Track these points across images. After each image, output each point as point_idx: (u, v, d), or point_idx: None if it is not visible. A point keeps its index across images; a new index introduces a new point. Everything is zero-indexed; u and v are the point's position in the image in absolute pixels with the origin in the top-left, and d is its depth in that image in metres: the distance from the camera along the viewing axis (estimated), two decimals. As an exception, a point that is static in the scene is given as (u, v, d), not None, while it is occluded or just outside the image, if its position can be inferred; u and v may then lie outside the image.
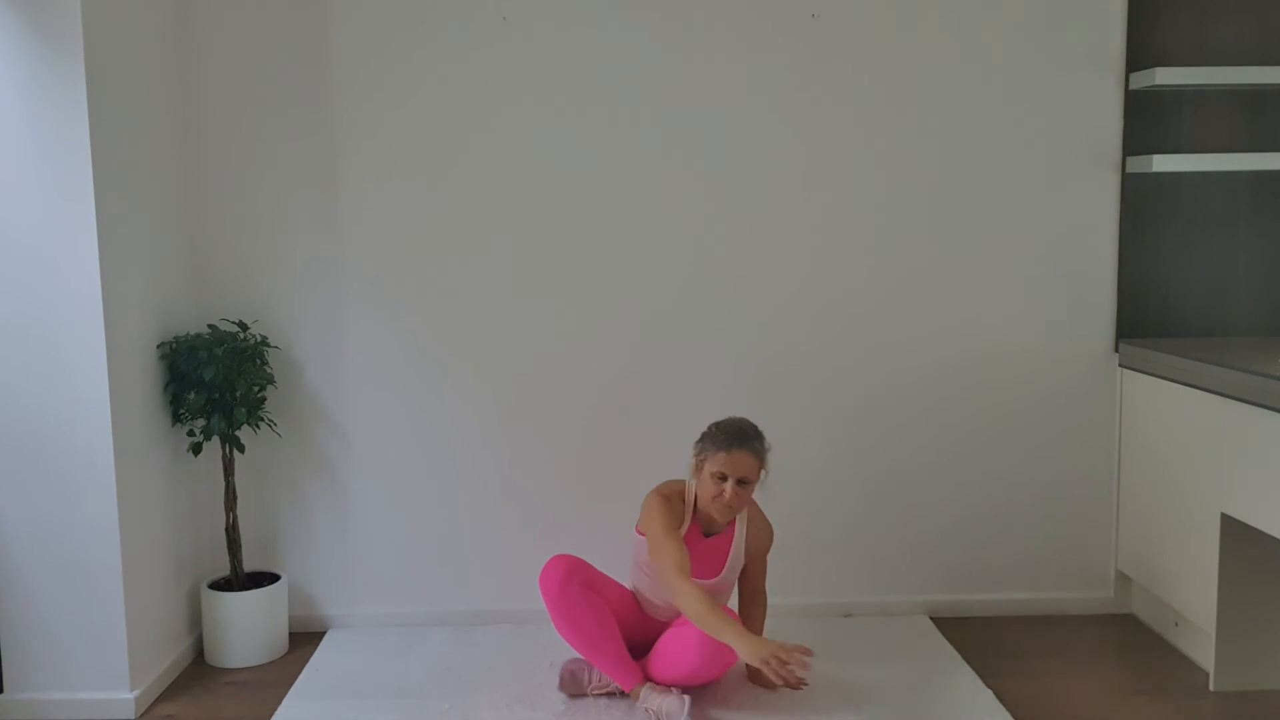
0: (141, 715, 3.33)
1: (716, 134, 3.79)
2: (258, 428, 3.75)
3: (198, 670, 3.65)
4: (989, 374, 3.91)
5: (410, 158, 3.78)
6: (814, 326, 3.88)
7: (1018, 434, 3.94)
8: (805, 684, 3.25)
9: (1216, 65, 3.74)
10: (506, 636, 3.80)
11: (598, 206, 3.81)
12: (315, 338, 3.83)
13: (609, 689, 3.28)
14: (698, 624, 3.03)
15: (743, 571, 3.45)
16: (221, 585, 3.73)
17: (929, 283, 3.87)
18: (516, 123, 3.77)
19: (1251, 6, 3.76)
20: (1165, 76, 3.64)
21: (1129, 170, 3.83)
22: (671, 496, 3.28)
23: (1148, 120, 3.82)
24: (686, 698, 3.15)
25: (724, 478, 3.18)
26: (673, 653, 3.22)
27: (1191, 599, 3.49)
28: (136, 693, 3.32)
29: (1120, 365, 3.87)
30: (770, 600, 3.66)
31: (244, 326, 3.71)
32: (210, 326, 3.72)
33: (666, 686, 3.21)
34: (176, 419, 3.62)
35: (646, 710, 3.18)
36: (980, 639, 3.77)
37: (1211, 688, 3.38)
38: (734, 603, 3.52)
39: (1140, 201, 3.85)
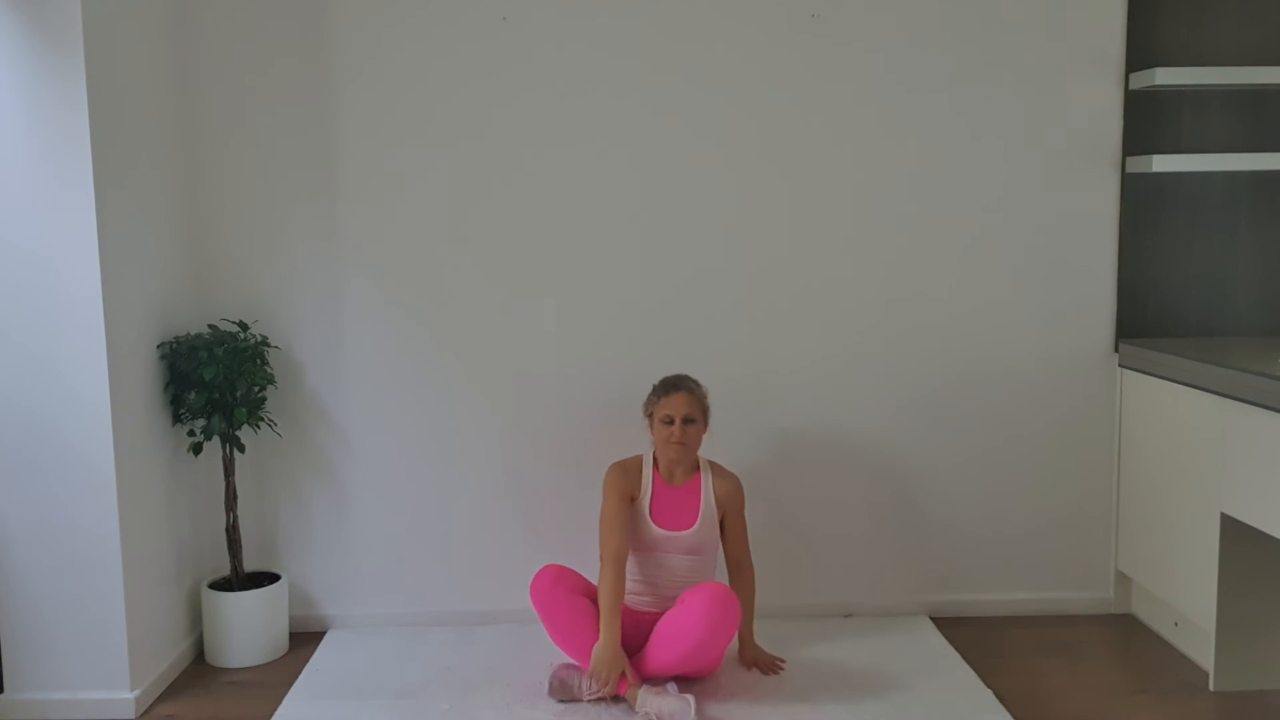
0: (141, 715, 3.34)
1: (716, 135, 3.79)
2: (258, 428, 3.75)
3: (198, 670, 3.65)
4: (989, 374, 3.91)
5: (410, 158, 3.78)
6: (813, 326, 3.88)
7: (1018, 434, 3.94)
8: (779, 668, 3.50)
9: (1216, 65, 3.75)
10: (506, 636, 3.80)
11: (598, 207, 3.82)
12: (315, 338, 3.84)
13: (602, 694, 3.25)
14: (600, 606, 3.27)
15: (724, 533, 3.52)
16: (222, 585, 3.73)
17: (929, 282, 3.87)
18: (516, 123, 3.77)
19: (1251, 6, 3.76)
20: (1165, 76, 3.65)
21: (1129, 170, 3.83)
22: (628, 466, 3.51)
23: (1148, 120, 3.82)
24: (690, 698, 3.15)
25: (670, 420, 3.43)
26: (674, 631, 3.23)
27: (1191, 599, 3.49)
28: (136, 693, 3.32)
29: (1120, 365, 3.87)
30: (770, 600, 3.67)
31: (244, 326, 3.71)
32: (210, 326, 3.72)
33: (663, 685, 3.22)
34: (177, 419, 3.62)
35: (646, 714, 3.17)
36: (980, 639, 3.77)
37: (1211, 688, 3.38)
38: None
39: (1140, 201, 3.85)
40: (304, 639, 3.83)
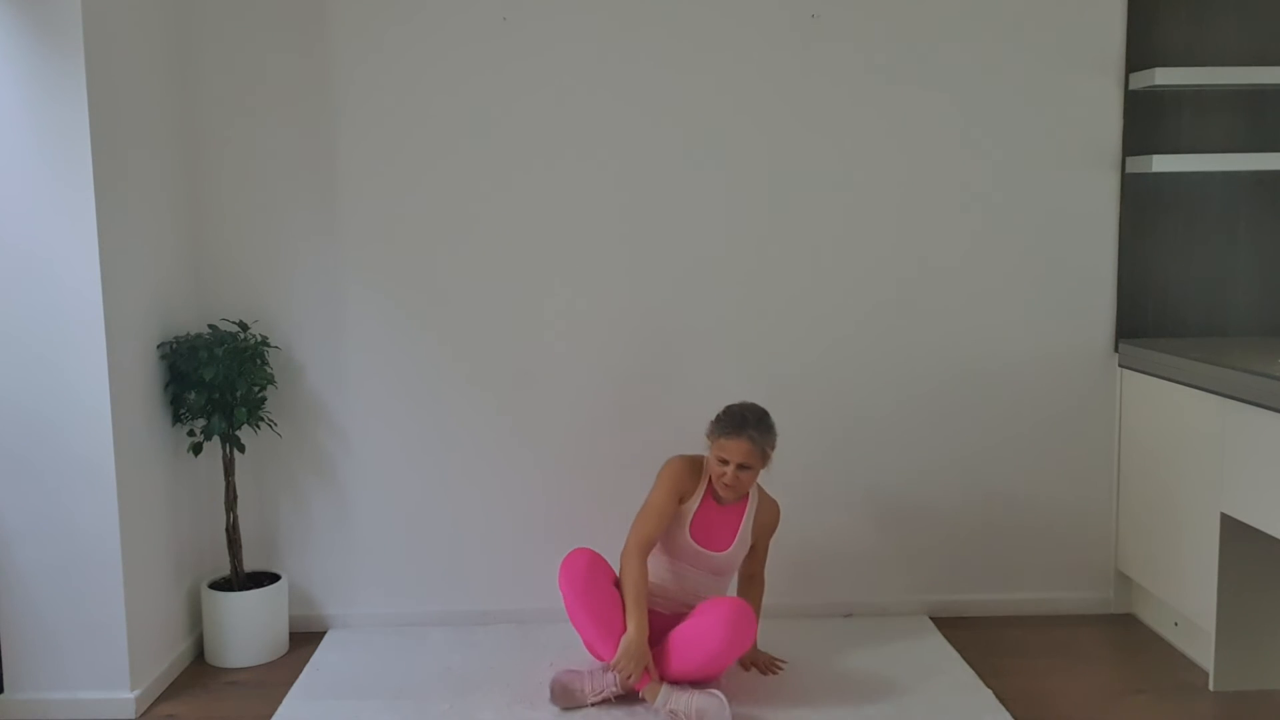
0: (142, 715, 3.34)
1: (716, 134, 3.79)
2: (258, 428, 3.75)
3: (198, 670, 3.65)
4: (989, 374, 3.91)
5: (410, 158, 3.78)
6: (814, 326, 3.88)
7: (1017, 434, 3.94)
8: (778, 669, 3.48)
9: (1216, 65, 3.75)
10: (506, 636, 3.80)
11: (598, 206, 3.82)
12: (315, 338, 3.84)
13: (607, 695, 3.25)
14: (623, 599, 3.23)
15: (749, 552, 3.50)
16: (222, 585, 3.73)
17: (929, 282, 3.87)
18: (516, 122, 3.78)
19: (1251, 6, 3.76)
20: (1165, 76, 3.65)
21: (1129, 170, 3.83)
22: (691, 464, 3.42)
23: (1147, 120, 3.82)
24: (722, 695, 3.14)
25: (725, 462, 3.32)
26: (691, 642, 3.21)
27: (1191, 599, 3.49)
28: (137, 693, 3.32)
29: (1120, 365, 3.87)
30: (770, 600, 3.66)
31: (244, 326, 3.71)
32: (210, 326, 3.72)
33: (683, 685, 3.21)
34: (177, 419, 3.62)
35: (672, 712, 3.15)
36: (980, 639, 3.77)
37: (1211, 687, 3.38)
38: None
39: (1140, 201, 3.85)
40: (304, 639, 3.83)
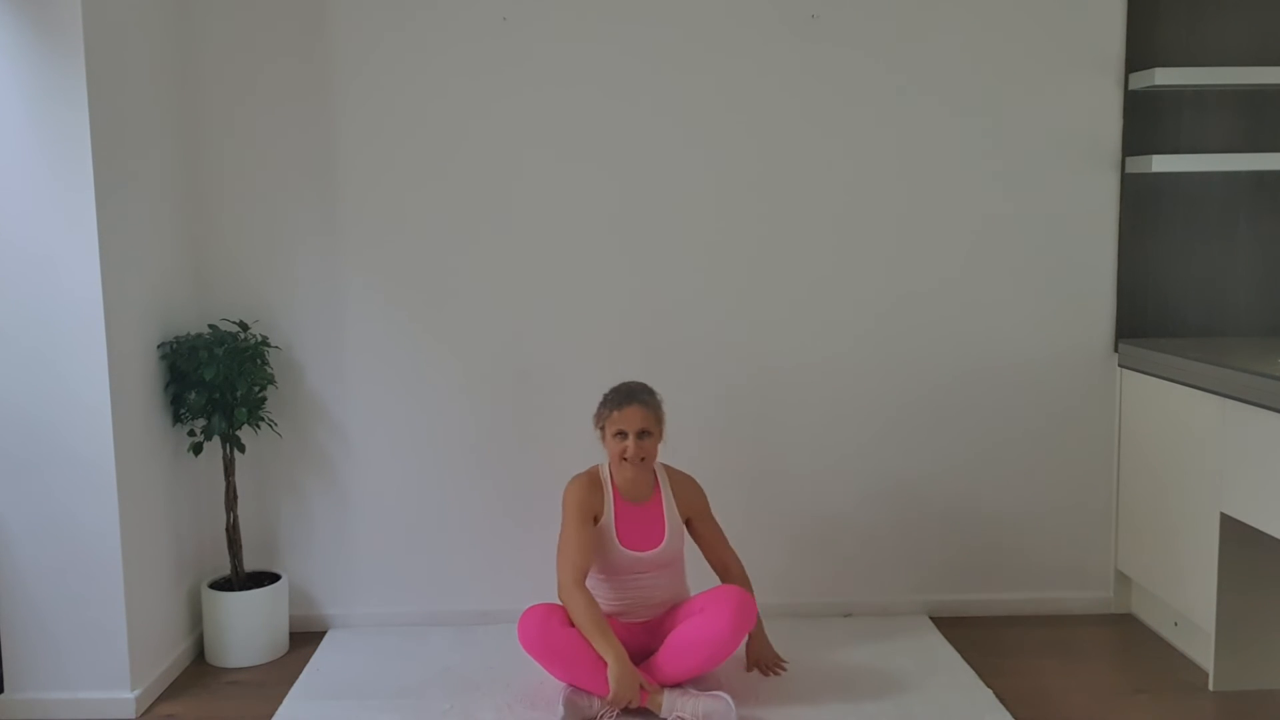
0: (142, 715, 3.34)
1: (716, 134, 3.79)
2: (258, 428, 3.75)
3: (198, 670, 3.65)
4: (988, 374, 3.91)
5: (410, 158, 3.78)
6: (814, 327, 3.88)
7: (1017, 434, 3.94)
8: (781, 670, 3.43)
9: (1216, 65, 3.75)
10: (506, 636, 3.78)
11: (599, 208, 3.82)
12: (315, 338, 3.84)
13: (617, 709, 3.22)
14: (585, 635, 3.15)
15: (698, 539, 3.46)
16: (222, 585, 3.73)
17: (929, 283, 3.87)
18: (516, 122, 3.78)
19: (1251, 6, 3.76)
20: (1165, 76, 3.65)
21: (1129, 170, 3.83)
22: (589, 480, 3.39)
23: (1147, 120, 3.82)
24: (728, 697, 3.12)
25: (624, 434, 3.30)
26: (697, 639, 3.20)
27: (1191, 599, 3.49)
28: (137, 693, 3.32)
29: (1120, 365, 3.87)
30: (771, 600, 3.66)
31: (244, 326, 3.71)
32: (210, 326, 3.72)
33: (683, 688, 3.19)
34: (177, 419, 3.62)
35: (680, 718, 3.13)
36: (980, 639, 3.77)
37: (1211, 687, 3.38)
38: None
39: (1140, 201, 3.85)
40: (304, 639, 3.83)
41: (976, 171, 3.84)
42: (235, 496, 3.72)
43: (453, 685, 3.45)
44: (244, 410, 3.58)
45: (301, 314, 3.82)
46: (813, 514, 3.93)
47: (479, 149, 3.78)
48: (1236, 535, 3.28)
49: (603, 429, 3.38)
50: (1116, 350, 3.90)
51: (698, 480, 3.51)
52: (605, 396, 3.40)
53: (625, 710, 3.20)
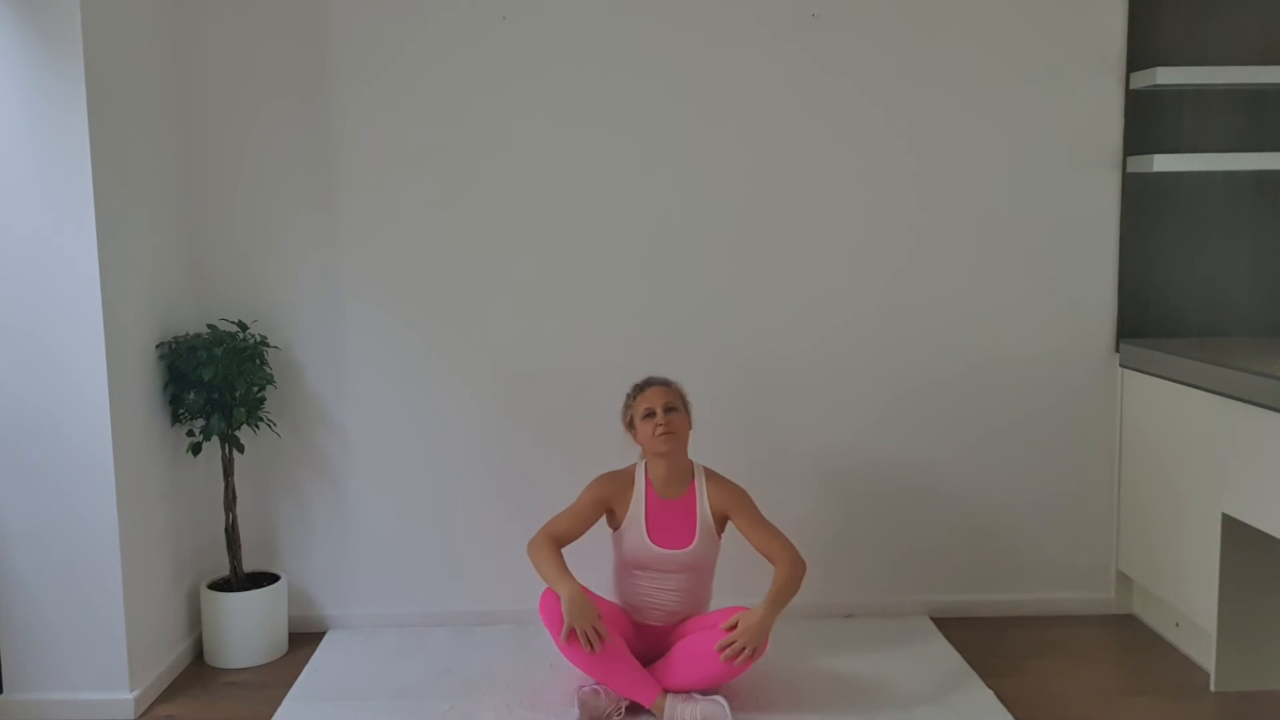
0: (141, 715, 3.33)
1: (716, 133, 3.79)
2: (257, 428, 3.74)
3: (197, 670, 3.65)
4: (989, 374, 3.91)
5: (410, 157, 3.78)
6: (814, 327, 3.87)
7: (1018, 434, 3.94)
8: (746, 652, 3.17)
9: (1216, 65, 3.74)
10: (506, 636, 3.80)
11: (597, 208, 3.81)
12: (315, 338, 3.83)
13: (625, 705, 3.22)
14: (543, 576, 3.23)
15: (746, 537, 3.34)
16: (221, 585, 3.73)
17: (929, 282, 3.87)
18: (515, 122, 3.77)
19: (1251, 6, 3.76)
20: (1165, 76, 3.64)
21: (1129, 170, 3.83)
22: (618, 475, 3.41)
23: (1148, 120, 3.81)
24: (725, 702, 3.11)
25: (652, 413, 3.32)
26: (703, 655, 3.17)
27: (1192, 599, 3.48)
28: (136, 693, 3.32)
29: (1120, 365, 3.86)
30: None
31: (243, 326, 3.71)
32: (210, 326, 3.71)
33: (688, 693, 3.18)
34: (176, 419, 3.62)
35: None
36: (980, 639, 3.77)
37: (1212, 688, 3.38)
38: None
39: (1140, 201, 3.85)
40: (304, 639, 3.83)
41: (978, 171, 3.83)
42: (234, 497, 3.71)
43: (453, 686, 3.45)
44: (243, 410, 3.58)
45: (301, 314, 3.82)
46: (813, 514, 3.92)
47: (479, 148, 3.78)
48: (1238, 536, 3.27)
49: (631, 421, 3.39)
50: (1118, 350, 3.89)
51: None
52: (627, 392, 3.45)
53: (629, 710, 3.21)
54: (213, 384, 3.52)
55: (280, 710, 3.32)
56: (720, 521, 3.38)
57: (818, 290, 3.87)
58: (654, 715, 3.18)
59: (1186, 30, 3.77)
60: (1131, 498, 3.87)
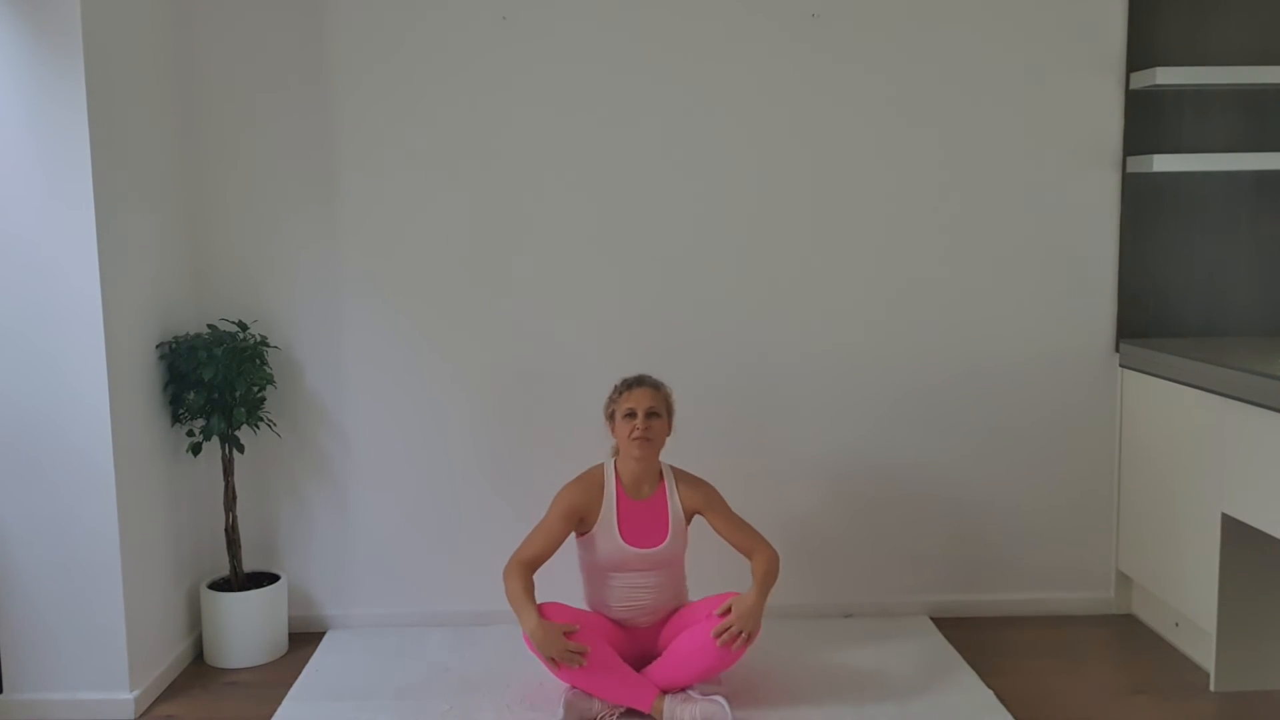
0: (141, 715, 3.33)
1: (716, 134, 3.79)
2: (257, 428, 3.74)
3: (197, 670, 3.65)
4: (989, 374, 3.91)
5: (409, 157, 3.78)
6: (814, 327, 3.87)
7: (1018, 434, 3.94)
8: (742, 636, 3.17)
9: (1216, 65, 3.74)
10: (506, 636, 3.79)
11: (597, 207, 3.81)
12: (315, 338, 3.83)
13: (620, 710, 3.22)
14: (511, 606, 3.21)
15: (721, 534, 3.36)
16: (221, 585, 3.73)
17: (929, 283, 3.87)
18: (515, 122, 3.77)
19: (1251, 6, 3.76)
20: (1165, 76, 3.64)
21: (1129, 170, 3.83)
22: (585, 482, 3.37)
23: (1148, 120, 3.81)
24: (725, 702, 3.11)
25: (633, 414, 3.29)
26: (692, 650, 3.18)
27: (1192, 599, 3.49)
28: (136, 693, 3.32)
29: (1120, 365, 3.86)
30: (771, 600, 3.63)
31: (243, 326, 3.71)
32: (210, 326, 3.72)
33: (685, 692, 3.18)
34: (176, 419, 3.62)
35: None
36: (980, 639, 3.77)
37: (1212, 688, 3.38)
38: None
39: (1140, 201, 3.85)
40: (304, 639, 3.83)
41: (978, 171, 3.83)
42: (234, 497, 3.71)
43: (452, 685, 3.45)
44: (243, 410, 3.58)
45: (301, 314, 3.82)
46: (814, 514, 3.93)
47: (479, 147, 3.78)
48: (1238, 535, 3.28)
49: (612, 415, 3.37)
50: (1117, 350, 3.89)
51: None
52: (615, 385, 3.40)
53: (627, 712, 3.20)
54: (213, 384, 3.52)
55: (280, 710, 3.32)
56: (689, 516, 3.40)
57: (817, 291, 3.86)
58: (651, 718, 3.18)
59: (1186, 30, 3.77)
60: (1131, 498, 3.87)
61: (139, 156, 3.42)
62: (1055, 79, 3.80)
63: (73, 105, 3.09)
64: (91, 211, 3.13)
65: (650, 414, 3.30)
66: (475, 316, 3.84)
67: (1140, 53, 3.78)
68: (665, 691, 3.19)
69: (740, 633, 3.15)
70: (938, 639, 3.76)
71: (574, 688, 3.23)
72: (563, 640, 3.12)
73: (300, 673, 3.57)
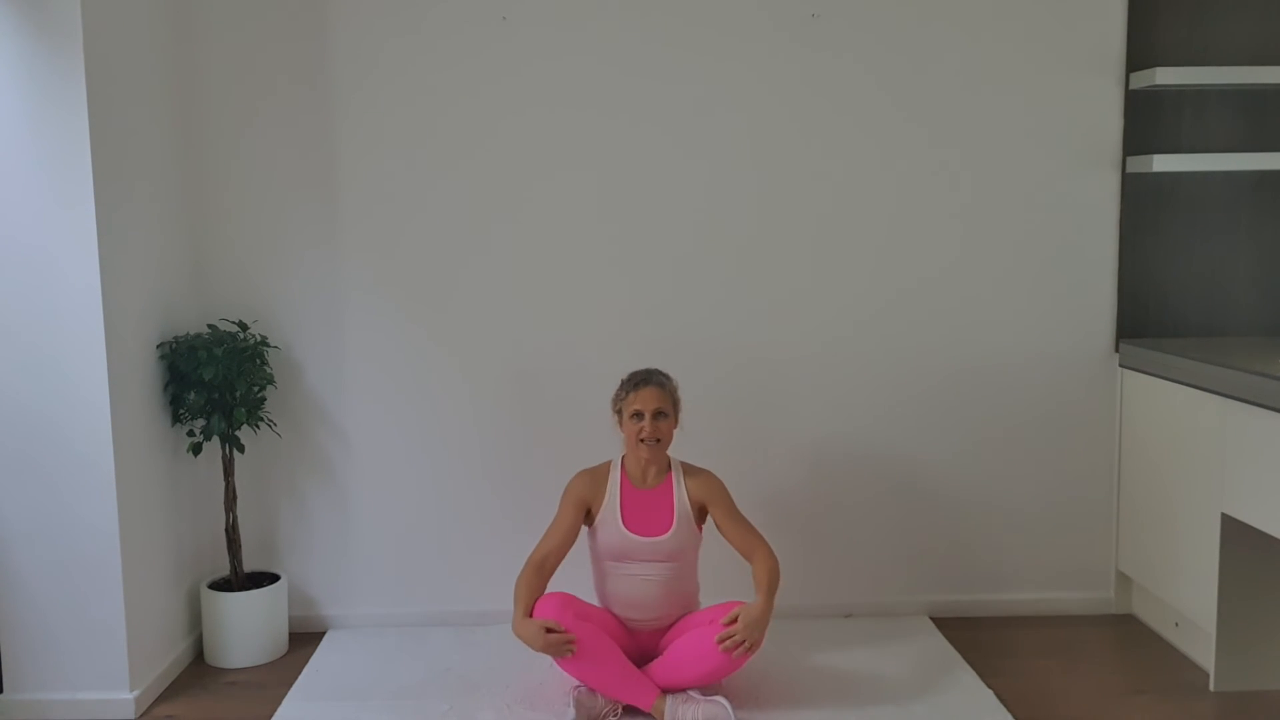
0: (141, 715, 3.33)
1: (716, 134, 3.79)
2: (257, 428, 3.74)
3: (198, 670, 3.65)
4: (989, 374, 3.91)
5: (410, 156, 3.78)
6: (814, 327, 3.88)
7: (1018, 434, 3.94)
8: (745, 645, 3.15)
9: (1216, 65, 3.74)
10: (506, 636, 3.77)
11: (598, 207, 3.81)
12: (315, 338, 3.83)
13: (621, 708, 3.22)
14: (519, 600, 3.23)
15: (723, 531, 3.35)
16: (221, 585, 3.73)
17: (929, 283, 3.87)
18: (515, 122, 3.77)
19: (1251, 6, 3.76)
20: (1165, 76, 3.64)
21: (1129, 170, 3.83)
22: (591, 473, 3.40)
23: (1148, 120, 3.81)
24: (727, 703, 3.10)
25: (640, 415, 3.30)
26: (695, 654, 3.17)
27: (1192, 599, 3.49)
28: (136, 693, 3.32)
29: (1120, 365, 3.87)
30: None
31: (244, 326, 3.71)
32: (210, 326, 3.72)
33: (687, 693, 3.18)
34: (176, 419, 3.62)
35: None
36: (980, 639, 3.77)
37: (1212, 688, 3.38)
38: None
39: (1140, 201, 3.85)
40: (304, 639, 3.83)
41: (977, 171, 3.83)
42: (234, 497, 3.72)
43: (453, 686, 3.45)
44: (243, 410, 3.58)
45: (301, 314, 3.82)
46: (812, 514, 3.93)
47: (479, 147, 3.78)
48: (1237, 535, 3.28)
49: (619, 412, 3.37)
50: (1117, 350, 3.89)
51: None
52: (623, 380, 3.39)
53: (628, 713, 3.21)
54: (213, 384, 3.52)
55: (280, 710, 3.32)
56: (699, 510, 3.38)
57: (815, 290, 3.86)
58: (652, 718, 3.18)
59: (1186, 30, 3.77)
60: (1131, 498, 3.87)
61: (139, 156, 3.42)
62: (1055, 79, 3.80)
63: (73, 105, 3.09)
64: (91, 211, 3.13)
65: (658, 415, 3.31)
66: (475, 316, 3.84)
67: (1140, 53, 3.78)
68: (665, 691, 3.19)
69: (744, 642, 3.14)
70: (938, 639, 3.76)
71: (581, 685, 3.23)
72: (543, 635, 3.12)
73: (300, 673, 3.57)
